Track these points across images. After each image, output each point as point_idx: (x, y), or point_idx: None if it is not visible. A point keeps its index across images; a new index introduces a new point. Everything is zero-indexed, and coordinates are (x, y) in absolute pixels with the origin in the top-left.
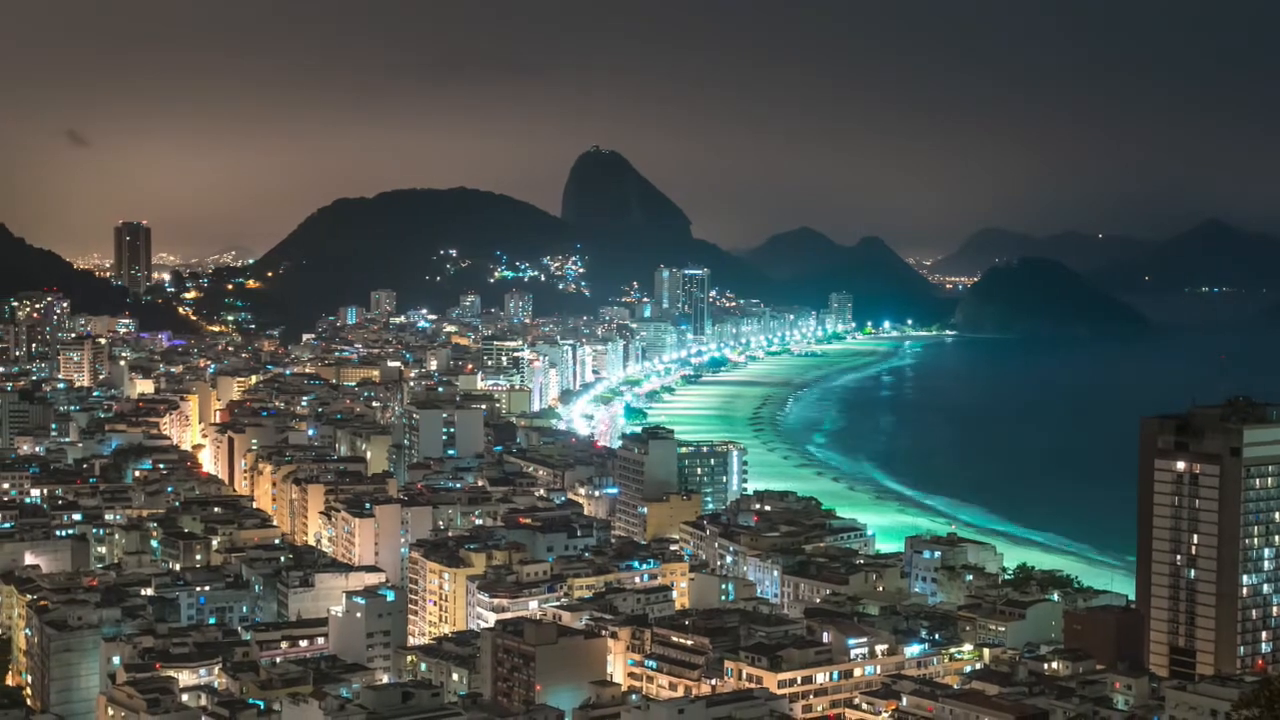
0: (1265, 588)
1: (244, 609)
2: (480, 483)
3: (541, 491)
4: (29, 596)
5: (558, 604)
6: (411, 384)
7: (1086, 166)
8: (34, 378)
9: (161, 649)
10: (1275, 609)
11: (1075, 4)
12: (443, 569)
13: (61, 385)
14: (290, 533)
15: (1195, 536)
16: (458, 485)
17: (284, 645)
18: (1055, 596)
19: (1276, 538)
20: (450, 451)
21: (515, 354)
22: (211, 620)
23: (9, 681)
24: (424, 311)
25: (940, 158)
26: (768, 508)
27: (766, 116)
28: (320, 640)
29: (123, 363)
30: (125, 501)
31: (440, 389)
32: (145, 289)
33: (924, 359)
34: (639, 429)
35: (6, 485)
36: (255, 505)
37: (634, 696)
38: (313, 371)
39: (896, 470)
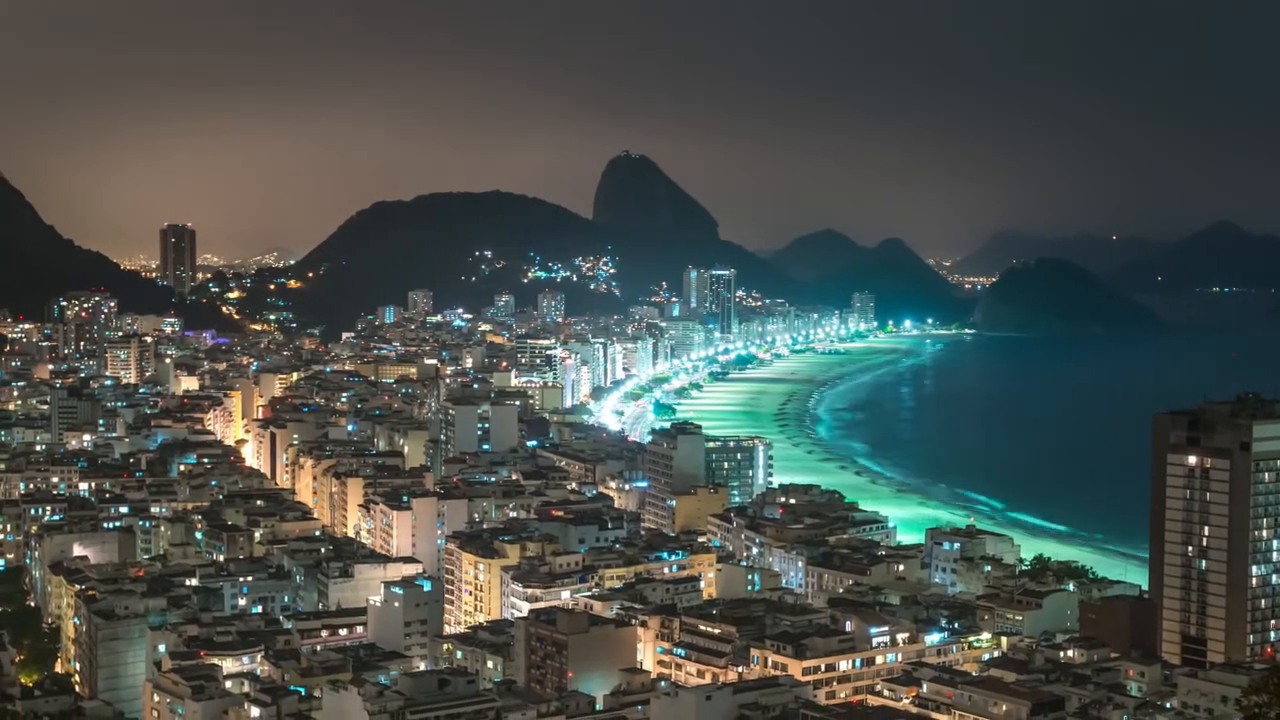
0: (1274, 578)
1: (285, 599)
2: (514, 476)
3: (573, 485)
4: (78, 586)
5: (589, 594)
6: (448, 381)
7: (1100, 170)
8: (82, 375)
9: (206, 637)
10: None
11: (1088, 10)
12: (478, 560)
13: (109, 382)
14: (330, 525)
15: (1206, 528)
16: (492, 479)
17: (324, 634)
18: (1071, 587)
19: None
20: (485, 446)
21: (548, 352)
22: (254, 610)
23: (58, 669)
24: (460, 311)
25: (959, 162)
26: (792, 501)
27: (791, 122)
28: (359, 629)
29: (168, 360)
30: (171, 495)
31: (475, 386)
32: (190, 289)
33: (944, 357)
34: (668, 425)
35: (56, 479)
36: (296, 498)
37: (663, 683)
38: (352, 369)
39: (917, 464)
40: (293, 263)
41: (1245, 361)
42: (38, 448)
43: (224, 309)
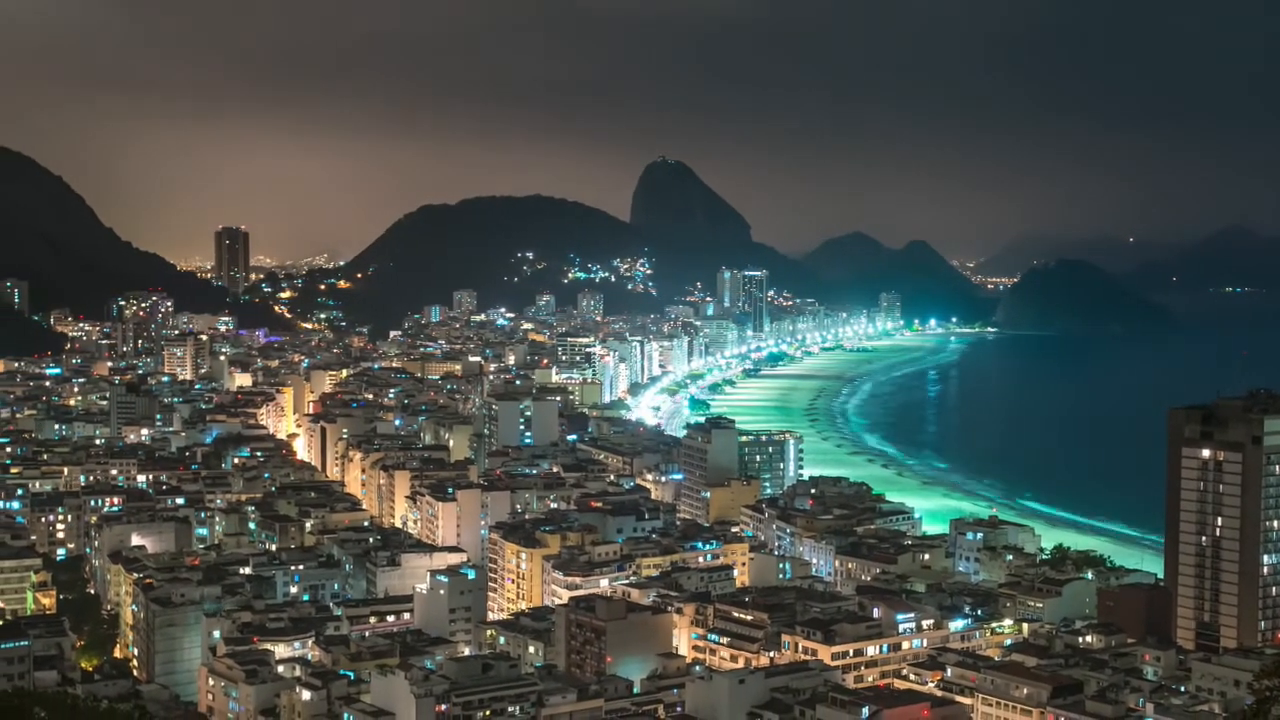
0: None
1: (335, 586)
2: (555, 469)
3: (612, 477)
4: (136, 575)
5: (627, 582)
6: (491, 377)
7: (1117, 175)
8: (140, 371)
9: (259, 624)
10: None
11: (1103, 18)
12: (520, 549)
13: (166, 379)
14: (378, 516)
15: (1219, 519)
16: (534, 471)
17: (372, 620)
18: (1089, 575)
19: None
20: (527, 440)
21: (587, 349)
22: (305, 597)
23: (117, 654)
24: (503, 310)
25: (982, 168)
26: (822, 492)
27: (821, 130)
28: (406, 616)
29: (223, 358)
30: (225, 487)
31: (518, 382)
32: (243, 289)
33: (967, 354)
34: (702, 419)
35: (115, 471)
36: (346, 490)
37: (698, 668)
38: (399, 366)
39: (942, 457)
40: (342, 264)
41: (1257, 359)
42: (97, 441)
43: (276, 308)
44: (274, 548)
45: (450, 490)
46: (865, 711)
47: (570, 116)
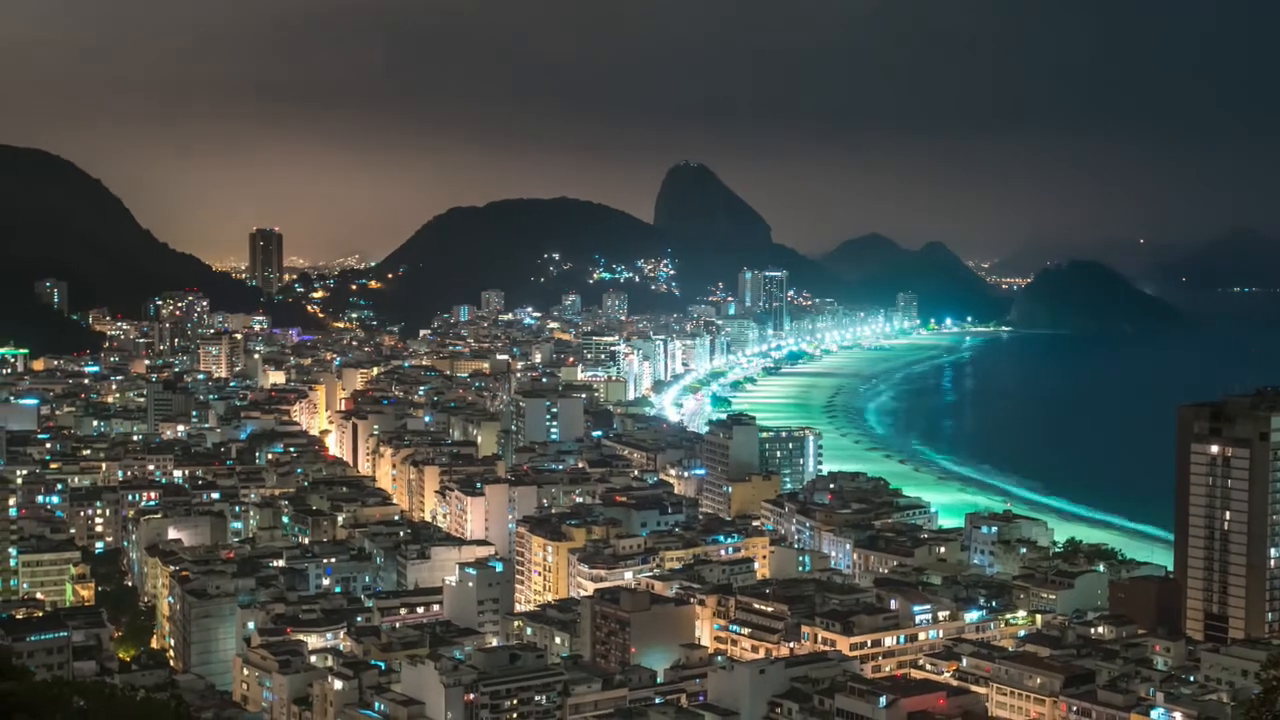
0: None
1: (367, 579)
2: (580, 465)
3: (636, 472)
4: (172, 568)
5: (651, 574)
6: (518, 375)
7: (1127, 176)
8: (176, 369)
9: (292, 615)
10: None
11: (1114, 23)
12: (546, 542)
13: (201, 376)
14: (408, 510)
15: (1227, 513)
16: (560, 467)
17: (403, 612)
18: (1101, 567)
19: None
20: (553, 436)
21: (612, 348)
22: (337, 589)
23: (154, 644)
24: (529, 309)
25: (996, 170)
26: (841, 487)
27: (840, 134)
28: (436, 607)
29: (256, 356)
30: (259, 482)
31: (544, 380)
32: (277, 289)
33: (982, 353)
34: (724, 416)
35: (152, 467)
36: (377, 485)
37: (720, 658)
38: (429, 364)
39: (957, 453)
40: (373, 264)
41: (1264, 357)
42: (135, 438)
43: (309, 308)
44: (306, 541)
45: (478, 485)
46: (883, 700)
47: (596, 121)
